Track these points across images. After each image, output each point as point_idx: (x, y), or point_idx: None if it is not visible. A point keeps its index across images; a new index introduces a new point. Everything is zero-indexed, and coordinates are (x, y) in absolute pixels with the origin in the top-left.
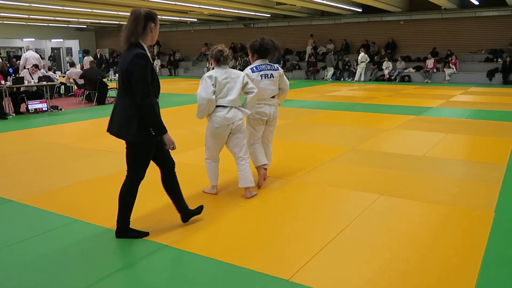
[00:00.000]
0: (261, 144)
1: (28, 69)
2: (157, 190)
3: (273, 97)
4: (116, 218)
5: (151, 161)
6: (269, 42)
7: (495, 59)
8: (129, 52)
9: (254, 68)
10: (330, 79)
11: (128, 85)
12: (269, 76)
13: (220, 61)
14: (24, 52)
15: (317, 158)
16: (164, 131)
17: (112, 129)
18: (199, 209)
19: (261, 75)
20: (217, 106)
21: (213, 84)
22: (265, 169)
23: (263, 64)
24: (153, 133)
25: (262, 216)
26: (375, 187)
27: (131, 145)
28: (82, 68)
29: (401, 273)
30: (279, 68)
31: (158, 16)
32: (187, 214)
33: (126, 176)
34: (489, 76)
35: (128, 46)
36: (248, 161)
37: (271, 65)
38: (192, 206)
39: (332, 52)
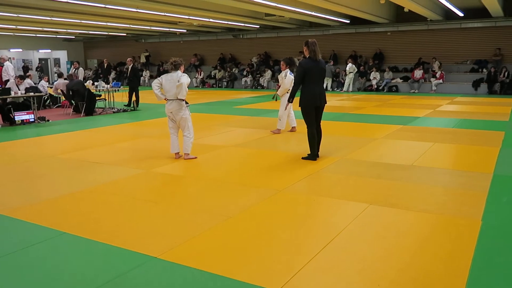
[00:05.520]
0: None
1: (15, 80)
2: (145, 203)
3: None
4: (313, 152)
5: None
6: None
7: (480, 70)
8: (320, 61)
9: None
10: (330, 89)
11: (323, 77)
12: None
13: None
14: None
15: (306, 168)
16: None
17: (323, 103)
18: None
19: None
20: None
21: None
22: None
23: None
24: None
25: (251, 226)
26: (364, 197)
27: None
28: (76, 78)
29: (390, 282)
30: (283, 72)
31: (147, 27)
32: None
33: (318, 125)
34: (475, 86)
35: (316, 58)
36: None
37: (282, 71)
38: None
39: (332, 63)
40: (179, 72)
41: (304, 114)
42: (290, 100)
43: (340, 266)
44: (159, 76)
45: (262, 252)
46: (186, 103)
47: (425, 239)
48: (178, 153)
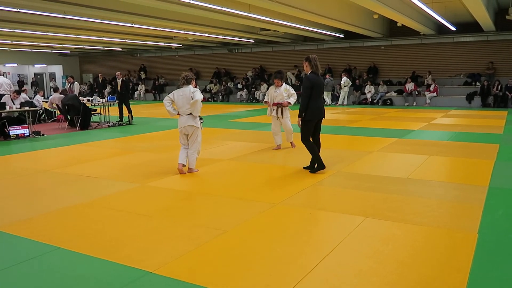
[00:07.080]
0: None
1: (10, 94)
2: (140, 217)
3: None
4: (319, 161)
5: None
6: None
7: (473, 83)
8: (320, 76)
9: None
10: (331, 103)
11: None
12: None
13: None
14: None
15: (302, 182)
16: None
17: (323, 116)
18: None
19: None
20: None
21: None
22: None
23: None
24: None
25: (247, 241)
26: (360, 210)
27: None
28: (71, 92)
29: None
30: (286, 85)
31: (142, 42)
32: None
33: (317, 138)
34: (468, 99)
35: (318, 73)
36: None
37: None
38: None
39: (328, 76)
40: (191, 87)
41: (305, 128)
42: (301, 115)
43: (337, 281)
44: (155, 90)
45: (258, 267)
46: (200, 118)
47: (421, 252)
48: (181, 164)
